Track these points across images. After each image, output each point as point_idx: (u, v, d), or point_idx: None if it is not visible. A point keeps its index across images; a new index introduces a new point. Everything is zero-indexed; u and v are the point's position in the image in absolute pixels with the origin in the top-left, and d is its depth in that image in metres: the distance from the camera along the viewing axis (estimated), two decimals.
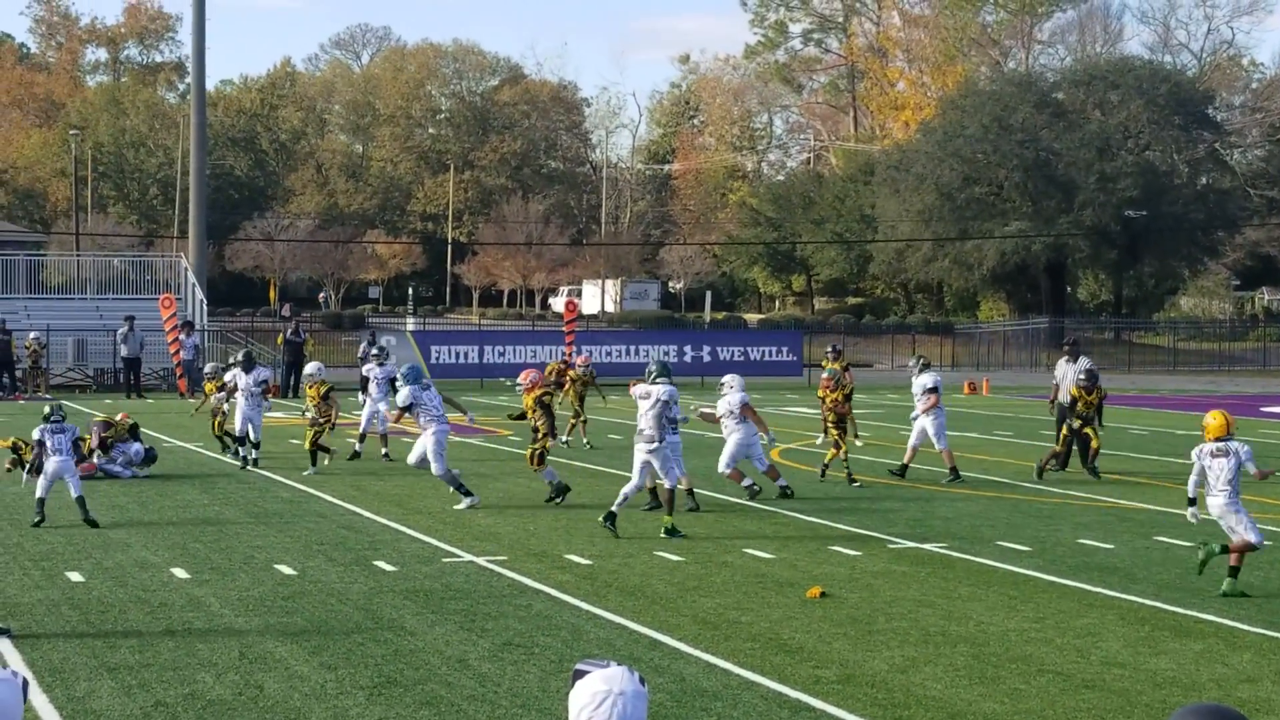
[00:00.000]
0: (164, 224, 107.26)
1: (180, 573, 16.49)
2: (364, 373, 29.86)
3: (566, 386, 30.72)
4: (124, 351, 44.92)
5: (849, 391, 27.14)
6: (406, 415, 22.22)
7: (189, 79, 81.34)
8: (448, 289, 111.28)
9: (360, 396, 30.76)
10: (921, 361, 26.93)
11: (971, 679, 12.32)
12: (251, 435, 26.23)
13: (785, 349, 56.85)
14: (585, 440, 30.37)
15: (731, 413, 22.95)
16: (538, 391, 22.09)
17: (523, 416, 22.48)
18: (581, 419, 30.31)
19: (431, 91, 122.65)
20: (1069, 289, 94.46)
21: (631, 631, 13.88)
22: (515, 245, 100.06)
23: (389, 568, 16.93)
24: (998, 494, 24.20)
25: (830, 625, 14.25)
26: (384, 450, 28.06)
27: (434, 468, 21.77)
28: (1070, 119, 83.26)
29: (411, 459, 22.29)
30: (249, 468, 25.98)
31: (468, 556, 17.69)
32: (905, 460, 26.08)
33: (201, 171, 56.68)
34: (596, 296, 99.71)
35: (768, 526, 20.26)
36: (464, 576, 16.51)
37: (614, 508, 19.50)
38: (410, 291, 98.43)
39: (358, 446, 28.24)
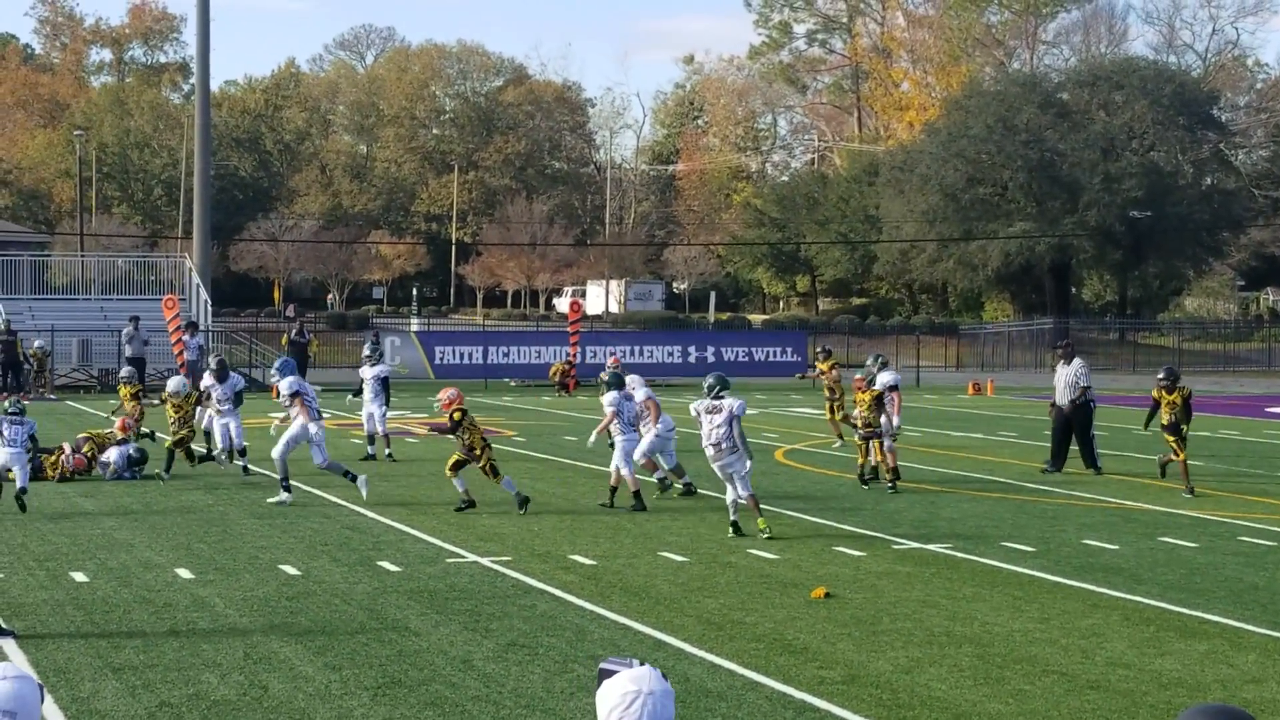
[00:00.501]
0: (168, 224, 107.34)
1: (185, 573, 16.49)
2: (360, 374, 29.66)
3: (571, 387, 30.61)
4: (129, 352, 44.91)
5: (841, 393, 27.40)
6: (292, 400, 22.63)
7: (193, 79, 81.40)
8: (452, 290, 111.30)
9: (349, 399, 30.51)
10: (880, 360, 26.65)
11: (976, 680, 12.31)
12: (235, 442, 25.45)
13: (789, 350, 56.87)
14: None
15: (639, 411, 23.04)
16: (454, 407, 21.43)
17: (452, 431, 21.79)
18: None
19: (436, 92, 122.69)
20: (1073, 289, 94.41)
21: (636, 632, 13.88)
22: (519, 246, 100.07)
23: (393, 568, 16.92)
24: (1002, 494, 24.18)
25: (835, 626, 14.24)
26: (387, 451, 28.07)
27: (318, 458, 22.42)
28: (1075, 119, 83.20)
29: (276, 452, 22.38)
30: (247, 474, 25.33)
31: (472, 557, 17.69)
32: (875, 463, 25.70)
33: (206, 172, 56.71)
34: (601, 297, 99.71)
35: (772, 527, 20.22)
36: (468, 577, 16.51)
37: (734, 517, 19.47)
38: (414, 292, 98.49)
39: (370, 449, 28.19)
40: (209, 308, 53.12)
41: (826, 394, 32.13)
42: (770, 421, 32.25)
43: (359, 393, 29.13)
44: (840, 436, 31.27)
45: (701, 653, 13.09)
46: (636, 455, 22.55)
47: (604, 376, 23.41)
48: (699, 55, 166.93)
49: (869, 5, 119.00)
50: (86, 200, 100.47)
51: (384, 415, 28.41)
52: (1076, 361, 27.78)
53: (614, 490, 22.02)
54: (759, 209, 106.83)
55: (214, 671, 12.28)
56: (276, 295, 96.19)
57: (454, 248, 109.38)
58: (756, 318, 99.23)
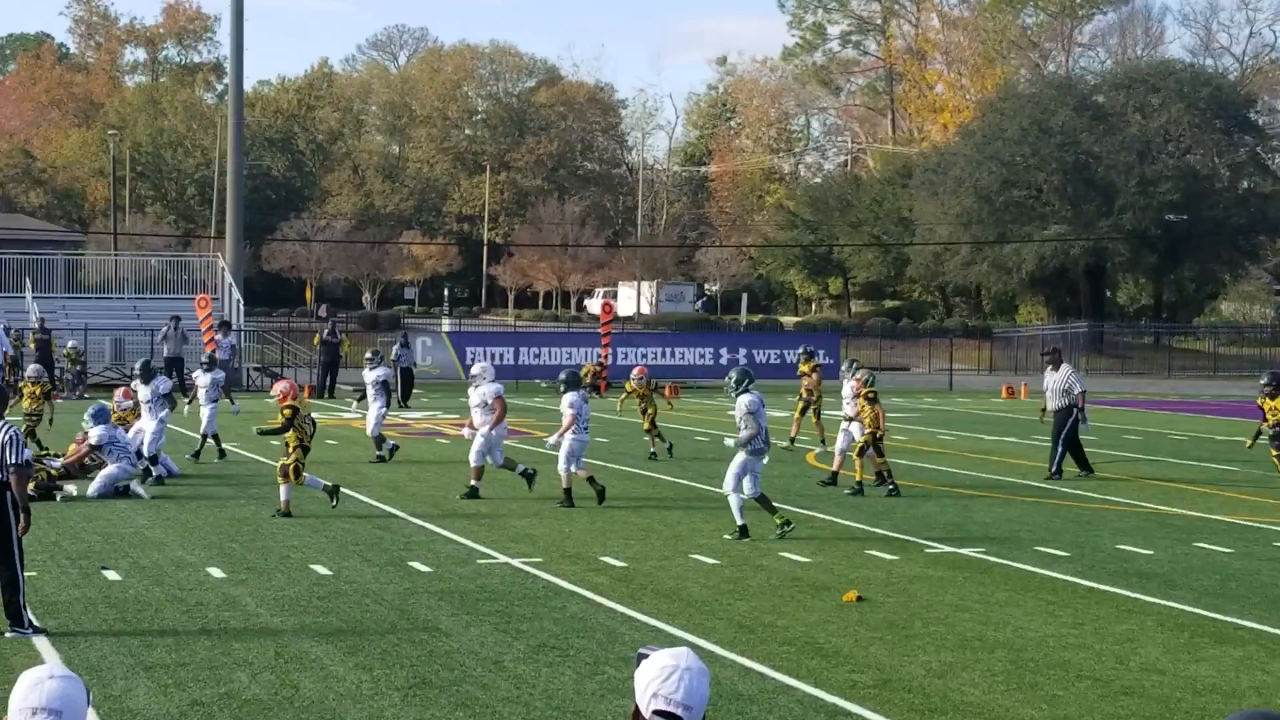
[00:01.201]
0: (201, 224, 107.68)
1: (216, 572, 16.51)
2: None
3: (603, 389, 30.49)
4: (167, 350, 45.04)
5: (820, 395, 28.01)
6: (97, 454, 22.64)
7: (227, 79, 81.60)
8: (483, 290, 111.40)
9: (353, 404, 30.33)
10: (855, 364, 26.53)
11: (1009, 684, 12.24)
12: (146, 450, 24.55)
13: (822, 352, 56.55)
14: (666, 445, 29.63)
15: (485, 403, 23.01)
16: (287, 403, 21.29)
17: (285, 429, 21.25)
18: (655, 432, 29.39)
19: (468, 93, 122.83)
20: (1108, 293, 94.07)
21: (667, 634, 13.83)
22: (551, 247, 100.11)
23: (424, 569, 16.92)
24: (1036, 499, 24.08)
25: (867, 629, 14.18)
26: (377, 453, 28.00)
27: (92, 489, 22.23)
28: (1110, 122, 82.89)
29: (92, 490, 22.36)
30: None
31: (503, 558, 17.67)
32: (835, 468, 25.39)
33: (239, 172, 56.86)
34: (632, 298, 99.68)
35: (804, 529, 20.18)
36: (499, 578, 16.49)
37: (741, 521, 19.37)
38: (446, 293, 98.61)
39: (378, 452, 28.10)
40: (241, 307, 53.25)
41: (803, 395, 31.57)
42: (803, 425, 32.16)
43: (362, 397, 29.18)
44: (823, 441, 30.93)
45: (733, 656, 13.05)
46: (473, 457, 22.92)
47: (562, 376, 23.27)
48: (732, 56, 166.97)
49: (903, 7, 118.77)
50: (120, 199, 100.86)
51: (380, 418, 28.25)
52: (1064, 368, 27.57)
53: (569, 490, 22.17)
54: (791, 211, 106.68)
55: (245, 670, 12.28)
56: (309, 295, 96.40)
57: (486, 248, 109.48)
58: (789, 320, 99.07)
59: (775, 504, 19.95)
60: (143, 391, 24.97)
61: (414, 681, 12.03)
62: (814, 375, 31.57)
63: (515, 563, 17.38)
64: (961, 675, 12.57)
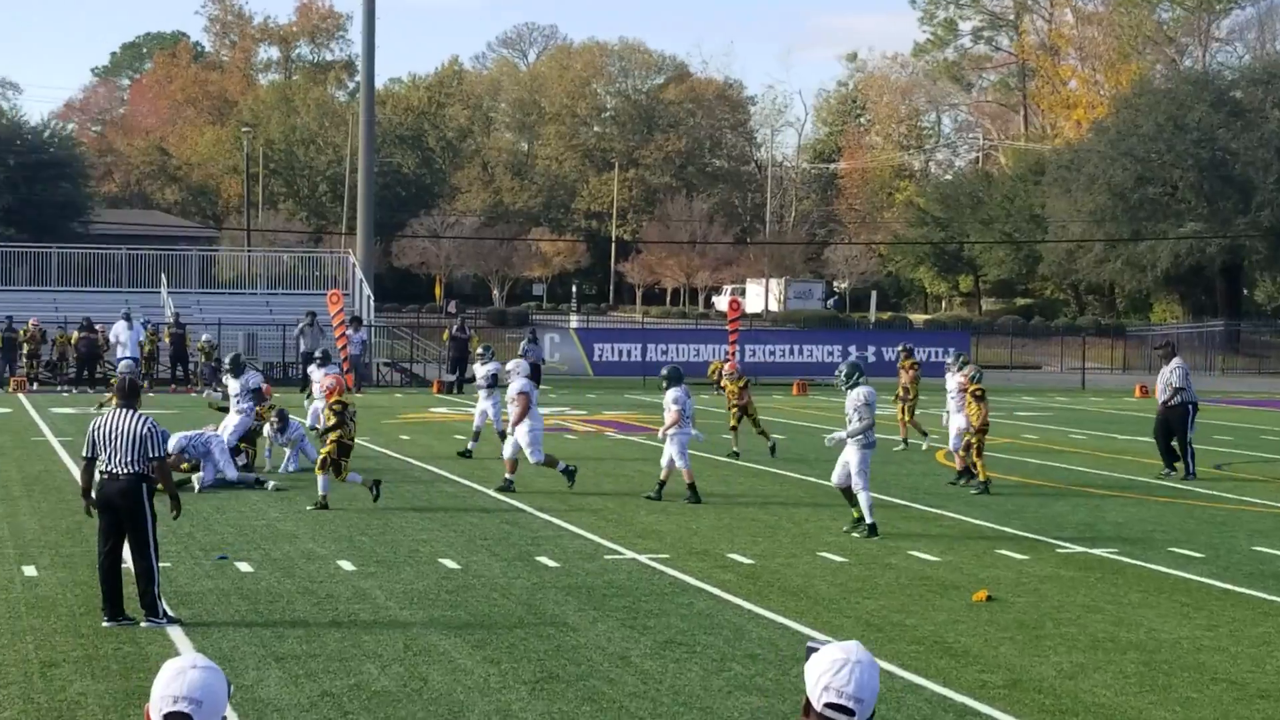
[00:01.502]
0: (332, 220, 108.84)
1: (346, 565, 16.66)
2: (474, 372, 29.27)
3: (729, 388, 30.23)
4: (304, 345, 45.57)
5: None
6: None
7: (358, 77, 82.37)
8: (611, 287, 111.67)
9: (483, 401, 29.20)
10: (961, 359, 26.11)
11: (1142, 686, 12.06)
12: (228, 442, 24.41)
13: (952, 350, 56.16)
14: (770, 443, 29.38)
15: (513, 400, 23.23)
16: (333, 400, 21.60)
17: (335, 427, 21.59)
18: (757, 429, 29.13)
19: (597, 90, 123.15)
20: (1245, 291, 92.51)
21: (794, 632, 13.77)
22: (679, 244, 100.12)
23: (551, 563, 16.96)
24: (1170, 499, 23.72)
25: (996, 629, 14.04)
26: (469, 446, 27.79)
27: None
28: (1248, 118, 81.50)
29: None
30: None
31: (630, 554, 17.68)
32: (959, 466, 24.92)
33: (370, 169, 57.39)
34: (760, 296, 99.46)
35: (933, 528, 20.03)
36: (626, 574, 16.50)
37: (870, 519, 19.31)
38: (574, 289, 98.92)
39: (470, 445, 27.85)
40: (372, 303, 53.75)
41: (900, 393, 31.15)
42: (930, 423, 31.90)
43: (471, 379, 29.00)
44: (905, 441, 30.60)
45: None
46: (506, 452, 23.10)
47: (664, 372, 23.21)
48: (862, 53, 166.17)
49: (1037, 2, 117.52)
50: (253, 196, 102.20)
51: (494, 414, 27.85)
52: (1174, 361, 27.03)
53: (662, 484, 22.21)
54: (922, 208, 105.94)
55: (375, 662, 12.37)
56: (438, 291, 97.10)
57: (614, 245, 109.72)
58: (918, 317, 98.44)
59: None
60: (232, 385, 24.91)
61: (541, 675, 12.06)
62: (911, 373, 31.13)
63: (642, 558, 17.38)
64: (1093, 676, 12.41)
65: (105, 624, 13.53)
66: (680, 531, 19.42)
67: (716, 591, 15.58)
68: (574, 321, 76.36)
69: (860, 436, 19.14)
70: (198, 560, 16.78)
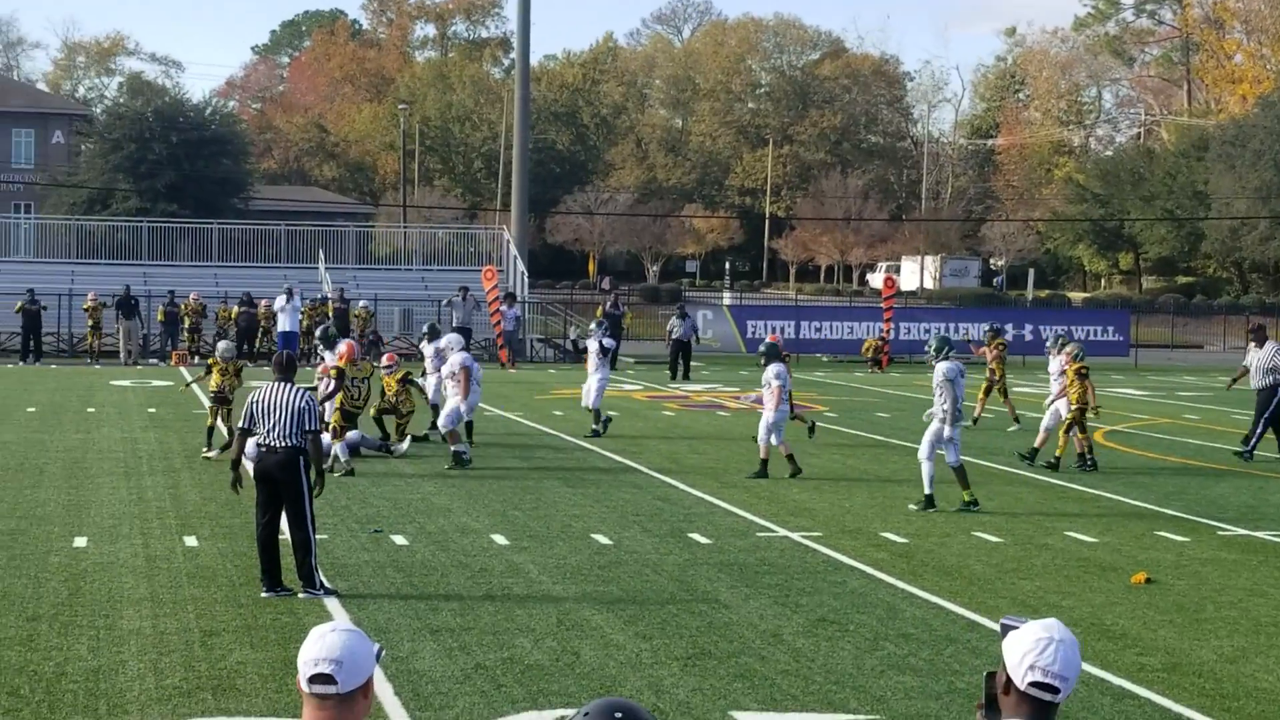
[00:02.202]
0: (487, 197, 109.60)
1: (500, 539, 16.76)
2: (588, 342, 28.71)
3: (885, 363, 29.98)
4: (456, 320, 45.97)
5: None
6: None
7: (514, 54, 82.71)
8: (764, 264, 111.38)
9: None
10: (1061, 339, 25.45)
11: None
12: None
13: (1111, 329, 55.41)
14: (808, 424, 29.15)
15: (453, 374, 23.11)
16: (401, 373, 23.24)
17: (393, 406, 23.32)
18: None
19: (751, 66, 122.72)
20: None
21: (948, 612, 13.64)
22: (833, 220, 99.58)
23: (704, 540, 16.95)
24: None
25: (1156, 612, 13.81)
26: (594, 426, 27.10)
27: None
28: None
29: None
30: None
31: (782, 532, 17.62)
32: (1037, 444, 24.41)
33: (524, 145, 57.67)
34: (915, 273, 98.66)
35: (1090, 509, 19.75)
36: (778, 551, 16.44)
37: (930, 490, 19.34)
38: (727, 266, 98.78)
39: (595, 425, 27.27)
40: (526, 279, 54.03)
41: (987, 374, 30.64)
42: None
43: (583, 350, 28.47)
44: (1016, 419, 29.88)
45: None
46: (442, 422, 23.11)
47: (762, 349, 22.98)
48: (1021, 27, 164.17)
49: None
50: (409, 173, 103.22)
51: (601, 389, 27.15)
52: (1270, 345, 26.21)
53: (765, 462, 22.09)
54: (1081, 184, 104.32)
55: (528, 636, 12.43)
56: (591, 268, 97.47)
57: (767, 222, 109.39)
58: (1077, 296, 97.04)
59: (969, 481, 19.67)
60: (329, 357, 24.25)
61: (693, 652, 12.05)
62: (998, 352, 30.55)
63: (795, 536, 17.31)
64: (1255, 661, 12.17)
65: (264, 594, 13.76)
66: (833, 510, 19.32)
67: (870, 570, 15.48)
68: (727, 298, 76.22)
69: (942, 413, 19.33)
70: (354, 533, 16.97)
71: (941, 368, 19.40)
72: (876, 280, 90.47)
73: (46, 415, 29.04)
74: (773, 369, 22.16)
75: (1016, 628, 4.70)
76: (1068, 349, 24.53)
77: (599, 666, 11.59)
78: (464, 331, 45.83)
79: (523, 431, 27.73)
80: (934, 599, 14.18)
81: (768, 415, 22.03)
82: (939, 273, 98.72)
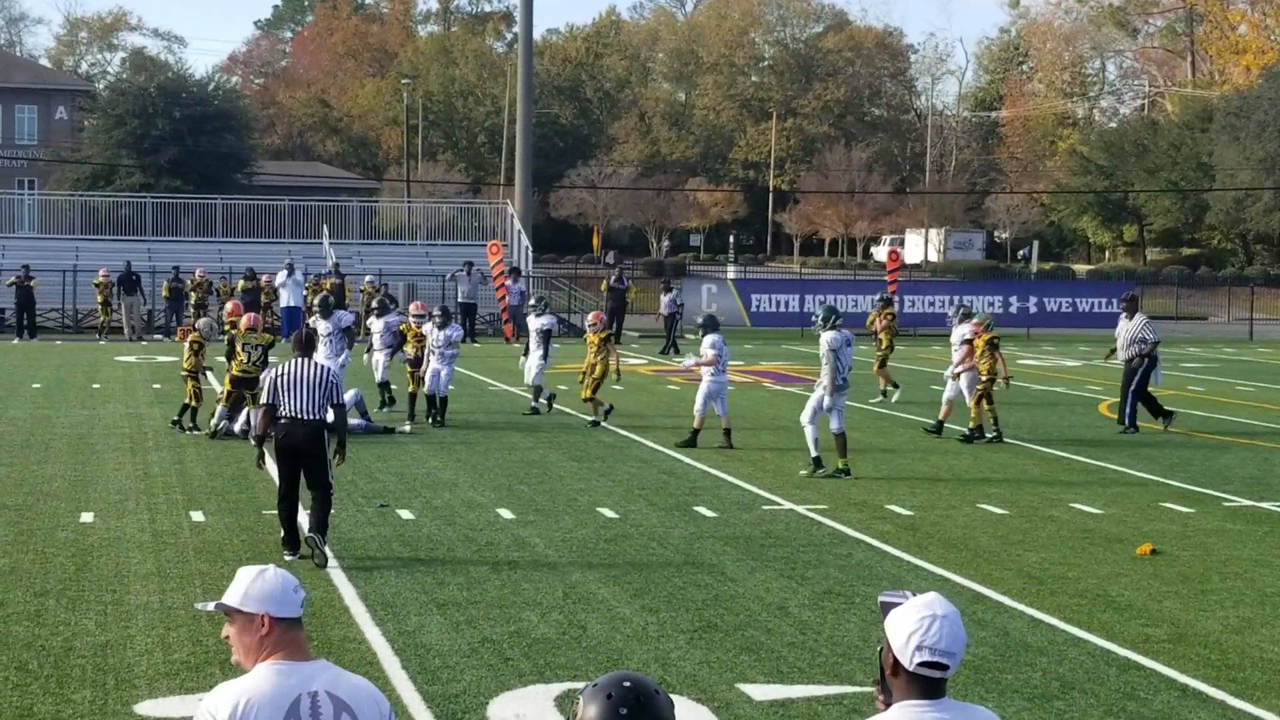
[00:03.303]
0: (491, 171, 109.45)
1: (506, 513, 16.79)
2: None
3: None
4: (461, 295, 45.94)
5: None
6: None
7: (516, 28, 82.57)
8: (769, 237, 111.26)
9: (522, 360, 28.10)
10: (962, 311, 25.09)
11: None
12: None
13: (1115, 301, 55.28)
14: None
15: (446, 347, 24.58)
16: (604, 333, 24.89)
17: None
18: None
19: (755, 39, 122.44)
20: None
21: (954, 584, 13.67)
22: (837, 194, 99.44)
23: (709, 513, 16.97)
24: None
25: (1161, 583, 13.83)
26: (534, 403, 26.64)
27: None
28: None
29: None
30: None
31: (788, 504, 17.64)
32: (940, 417, 24.23)
33: (528, 120, 57.61)
34: (919, 246, 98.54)
35: (1095, 480, 19.77)
36: (784, 524, 16.47)
37: (815, 453, 19.88)
38: (731, 240, 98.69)
39: (535, 401, 26.75)
40: (530, 254, 54.00)
41: (876, 345, 30.29)
42: (1094, 374, 31.48)
43: (527, 350, 27.62)
44: (883, 391, 29.56)
45: (1022, 606, 12.84)
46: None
47: (699, 320, 23.07)
48: None
49: None
50: (413, 148, 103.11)
51: (541, 369, 26.68)
52: (1139, 317, 25.92)
53: (696, 431, 22.42)
54: (1085, 156, 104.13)
55: (534, 610, 12.46)
56: (595, 242, 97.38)
57: (771, 195, 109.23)
58: (1081, 268, 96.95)
59: (849, 450, 20.02)
60: (322, 327, 24.10)
61: (699, 625, 12.08)
62: (886, 322, 30.17)
63: (800, 509, 17.33)
64: (1261, 632, 12.19)
65: (287, 558, 14.20)
66: (838, 482, 19.34)
67: (875, 543, 15.50)
68: (731, 272, 76.18)
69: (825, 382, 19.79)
70: (360, 508, 17.00)
71: (826, 337, 19.82)
72: (881, 253, 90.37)
73: (52, 391, 29.07)
74: (709, 339, 22.35)
75: (898, 604, 4.61)
76: (977, 319, 24.35)
77: (605, 640, 11.62)
78: (468, 306, 45.98)
79: (525, 405, 27.72)
80: (940, 571, 14.21)
81: (705, 384, 22.31)
82: (943, 246, 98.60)
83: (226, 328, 22.99)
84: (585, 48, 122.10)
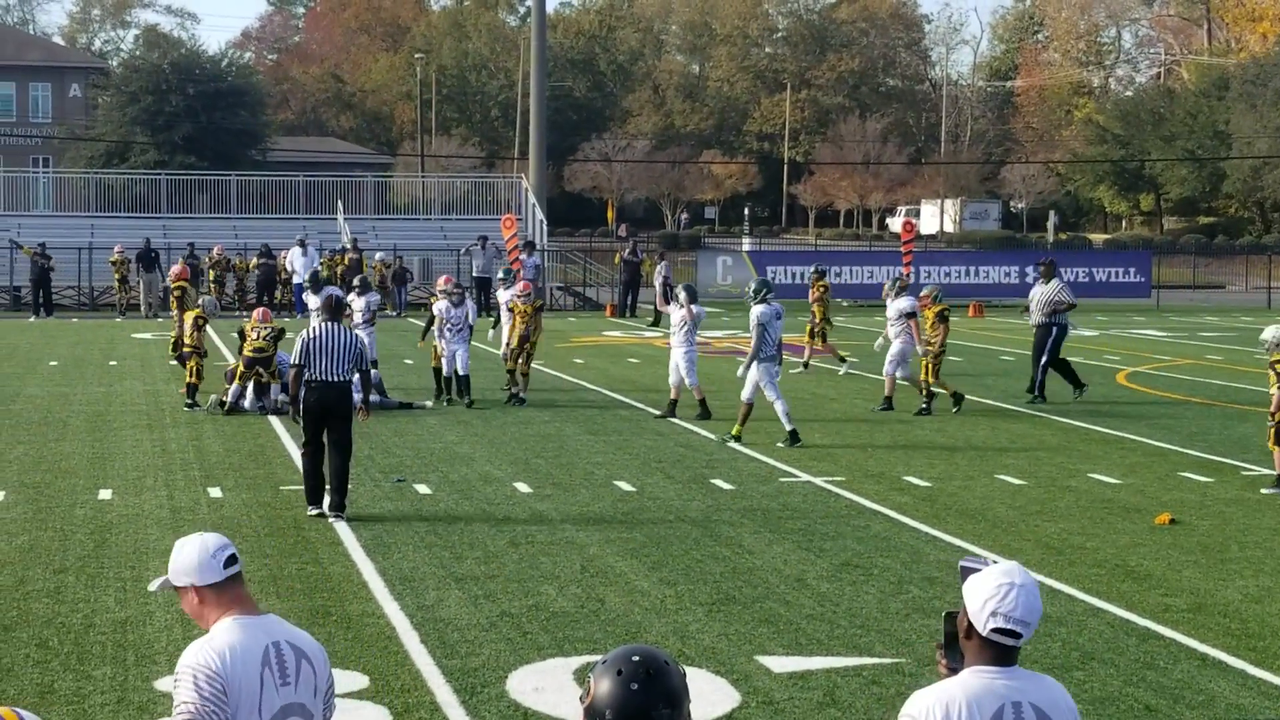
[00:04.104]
0: (505, 145, 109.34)
1: (523, 487, 16.79)
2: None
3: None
4: (474, 269, 45.90)
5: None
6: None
7: (530, 2, 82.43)
8: (784, 209, 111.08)
9: (490, 334, 27.70)
10: (899, 283, 24.60)
11: None
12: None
13: (1133, 270, 55.14)
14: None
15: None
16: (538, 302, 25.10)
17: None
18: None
19: (769, 10, 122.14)
20: None
21: (973, 555, 13.63)
22: (852, 165, 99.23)
23: (727, 486, 16.96)
24: None
25: (1180, 553, 13.81)
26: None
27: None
28: None
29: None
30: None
31: (805, 476, 17.62)
32: (887, 393, 23.85)
33: (541, 93, 57.50)
34: (935, 216, 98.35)
35: (1114, 451, 19.73)
36: (801, 496, 16.45)
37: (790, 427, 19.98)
38: (746, 212, 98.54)
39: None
40: (544, 227, 53.94)
41: (809, 317, 29.76)
42: (1112, 344, 31.41)
43: (497, 322, 27.37)
44: (807, 364, 29.33)
45: (1041, 577, 12.80)
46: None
47: (680, 294, 22.72)
48: None
49: None
50: (426, 122, 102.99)
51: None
52: (1055, 282, 25.48)
53: (674, 402, 22.53)
54: (1101, 125, 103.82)
55: (552, 584, 12.46)
56: (610, 215, 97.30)
57: (786, 167, 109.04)
58: (1098, 237, 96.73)
59: (746, 421, 20.19)
60: (312, 302, 24.24)
61: (718, 597, 12.08)
62: (819, 294, 29.63)
63: (818, 481, 17.32)
64: None
65: (310, 512, 14.93)
66: (855, 454, 19.32)
67: (893, 514, 15.49)
68: (746, 244, 76.06)
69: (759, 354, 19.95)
70: (377, 483, 17.01)
71: (756, 311, 20.00)
72: (896, 224, 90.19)
73: (69, 369, 29.13)
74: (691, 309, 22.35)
75: (978, 570, 4.68)
76: (926, 291, 24.10)
77: (624, 613, 11.62)
78: (483, 281, 45.91)
79: (543, 380, 27.72)
80: (958, 542, 14.20)
81: (681, 352, 22.40)
82: (959, 216, 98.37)
83: (173, 289, 23.55)
84: (599, 20, 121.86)
